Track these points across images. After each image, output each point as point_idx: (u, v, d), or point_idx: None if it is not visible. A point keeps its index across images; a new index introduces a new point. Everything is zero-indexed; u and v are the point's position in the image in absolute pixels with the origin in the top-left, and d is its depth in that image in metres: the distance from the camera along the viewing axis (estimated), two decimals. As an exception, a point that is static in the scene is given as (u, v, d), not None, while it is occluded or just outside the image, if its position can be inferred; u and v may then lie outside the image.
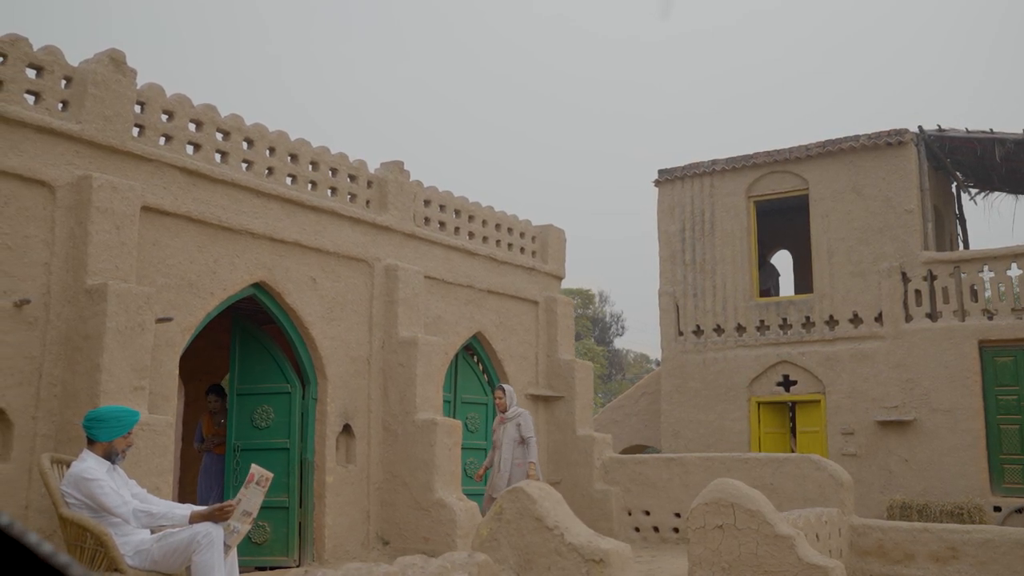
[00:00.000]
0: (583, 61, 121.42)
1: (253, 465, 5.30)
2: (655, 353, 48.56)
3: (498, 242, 12.06)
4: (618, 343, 47.59)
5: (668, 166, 16.37)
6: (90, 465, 5.25)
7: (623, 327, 48.36)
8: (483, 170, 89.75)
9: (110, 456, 5.40)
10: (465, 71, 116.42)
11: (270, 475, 5.32)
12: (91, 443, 5.43)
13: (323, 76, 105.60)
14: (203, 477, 9.89)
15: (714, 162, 15.80)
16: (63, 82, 7.35)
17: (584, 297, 42.43)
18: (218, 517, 5.10)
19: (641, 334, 73.64)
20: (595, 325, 45.54)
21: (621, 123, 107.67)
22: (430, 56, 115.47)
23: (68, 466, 5.62)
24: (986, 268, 13.58)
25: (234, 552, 5.36)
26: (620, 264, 66.12)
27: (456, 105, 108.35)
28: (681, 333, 15.79)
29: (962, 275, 13.67)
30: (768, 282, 16.50)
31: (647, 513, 11.38)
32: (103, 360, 6.71)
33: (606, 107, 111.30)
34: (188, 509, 5.25)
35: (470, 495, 10.11)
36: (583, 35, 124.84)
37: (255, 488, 5.25)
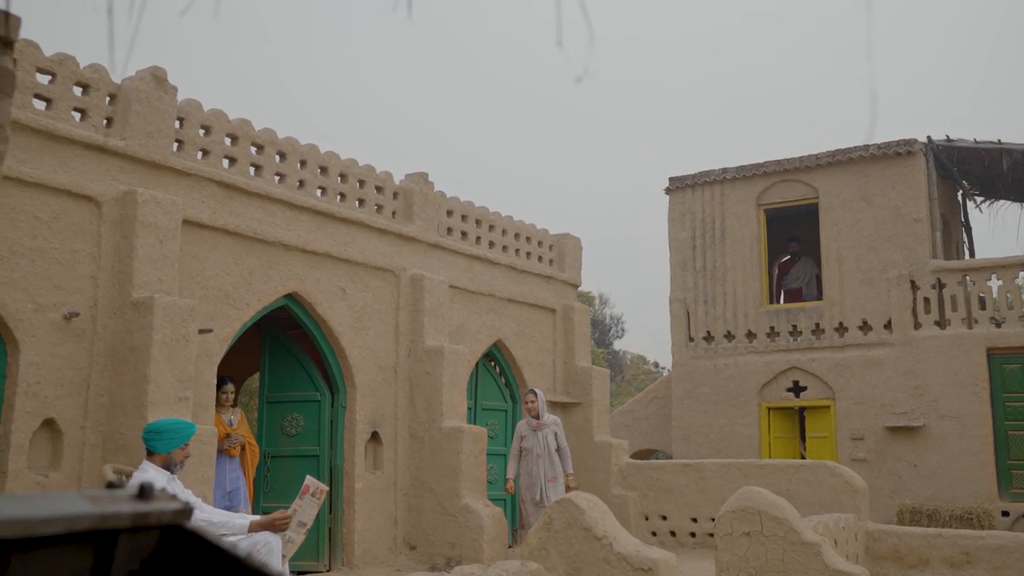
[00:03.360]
0: (580, 60, 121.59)
1: (308, 477, 5.50)
2: (652, 354, 48.78)
3: (517, 251, 12.28)
4: (617, 345, 47.84)
5: (676, 173, 16.59)
6: (152, 476, 5.43)
7: (623, 329, 48.61)
8: (478, 169, 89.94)
9: (169, 467, 5.58)
10: (464, 70, 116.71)
11: (326, 488, 5.52)
12: (150, 454, 5.61)
13: (323, 77, 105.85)
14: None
15: (724, 170, 16.02)
16: (107, 99, 7.54)
17: (584, 299, 42.64)
18: (277, 527, 5.29)
19: (640, 336, 73.89)
20: (595, 327, 45.76)
21: (619, 124, 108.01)
22: (430, 56, 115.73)
23: (129, 477, 5.80)
24: (994, 276, 13.82)
25: (287, 562, 5.55)
26: (618, 264, 66.31)
27: (451, 102, 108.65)
28: (692, 339, 16.01)
29: (971, 283, 13.91)
30: (801, 279, 16.47)
31: (664, 518, 11.59)
32: (150, 371, 6.90)
33: (603, 108, 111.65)
34: (247, 519, 5.44)
35: (494, 500, 10.32)
36: (581, 34, 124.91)
37: (310, 500, 5.45)
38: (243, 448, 8.92)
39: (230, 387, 8.92)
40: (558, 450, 9.60)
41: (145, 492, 1.45)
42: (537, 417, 9.65)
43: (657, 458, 18.15)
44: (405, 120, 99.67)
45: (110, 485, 1.50)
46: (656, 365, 46.14)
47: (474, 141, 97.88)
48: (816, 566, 7.12)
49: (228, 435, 8.55)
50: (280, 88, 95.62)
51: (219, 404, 8.71)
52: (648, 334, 62.42)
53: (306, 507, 5.42)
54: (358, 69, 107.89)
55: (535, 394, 9.72)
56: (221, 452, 8.52)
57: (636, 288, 58.08)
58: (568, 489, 9.35)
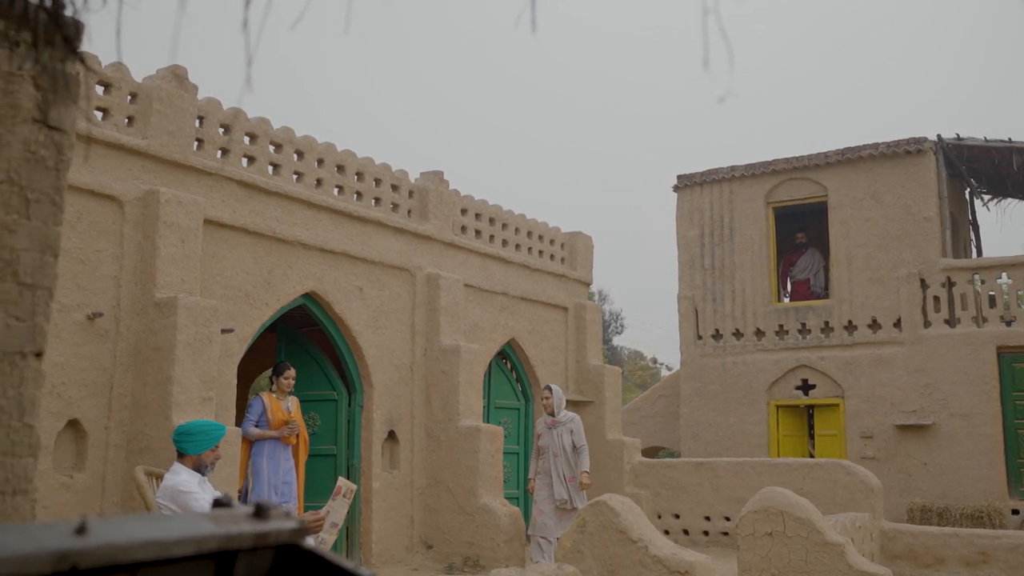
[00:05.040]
0: (576, 54, 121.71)
1: (340, 478, 5.50)
2: (650, 350, 48.78)
3: (530, 249, 12.26)
4: (616, 340, 47.85)
5: (681, 170, 16.59)
6: (184, 478, 5.41)
7: (622, 325, 48.65)
8: (475, 164, 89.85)
9: (200, 469, 5.57)
10: (463, 65, 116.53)
11: (354, 487, 5.52)
12: (181, 456, 5.58)
13: (331, 77, 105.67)
14: (270, 462, 7.92)
15: (733, 168, 16.02)
16: (128, 98, 7.51)
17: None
18: (311, 528, 5.27)
19: (638, 332, 73.93)
20: (595, 323, 45.64)
21: (616, 119, 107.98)
22: (436, 56, 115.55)
23: (160, 479, 5.79)
24: (1004, 275, 13.83)
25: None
26: (615, 260, 66.35)
27: (446, 96, 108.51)
28: (700, 337, 16.01)
29: (980, 282, 13.92)
30: (809, 270, 16.43)
31: (677, 516, 11.60)
32: (174, 372, 6.88)
33: (601, 102, 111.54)
34: (280, 521, 5.42)
35: (508, 499, 10.31)
36: (578, 28, 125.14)
37: (342, 500, 5.44)
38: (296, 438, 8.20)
39: (292, 372, 8.28)
40: (574, 448, 9.33)
41: (261, 511, 1.44)
42: (552, 414, 9.31)
43: (663, 456, 18.17)
44: (410, 119, 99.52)
45: (218, 503, 1.49)
46: (654, 361, 46.15)
47: (467, 134, 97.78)
48: (840, 567, 7.11)
49: (287, 422, 7.97)
50: (288, 87, 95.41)
51: (279, 390, 8.20)
52: (646, 330, 62.48)
53: (338, 508, 5.43)
54: (367, 70, 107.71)
55: (551, 390, 9.38)
56: (277, 440, 7.94)
57: (634, 284, 58.10)
58: (581, 487, 9.13)
